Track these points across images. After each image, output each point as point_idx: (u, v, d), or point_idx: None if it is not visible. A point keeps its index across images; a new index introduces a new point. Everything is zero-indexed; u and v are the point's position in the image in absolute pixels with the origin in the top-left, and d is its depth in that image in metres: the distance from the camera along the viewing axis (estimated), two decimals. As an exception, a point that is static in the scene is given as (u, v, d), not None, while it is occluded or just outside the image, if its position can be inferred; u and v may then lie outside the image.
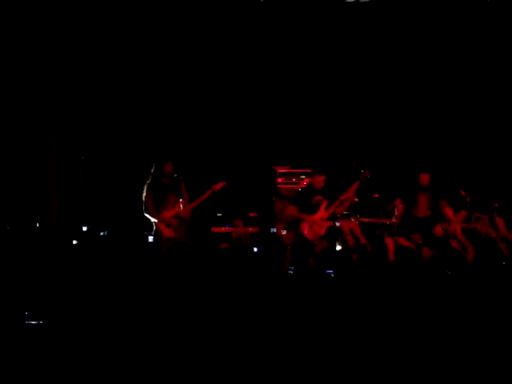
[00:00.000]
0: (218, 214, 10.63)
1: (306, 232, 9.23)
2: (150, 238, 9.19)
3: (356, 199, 9.70)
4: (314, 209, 9.35)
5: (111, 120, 11.26)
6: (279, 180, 10.79)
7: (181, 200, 8.98)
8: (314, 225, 9.28)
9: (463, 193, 9.99)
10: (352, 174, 9.75)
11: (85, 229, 10.42)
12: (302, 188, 10.42)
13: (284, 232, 9.59)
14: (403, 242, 9.15)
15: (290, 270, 6.68)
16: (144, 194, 9.00)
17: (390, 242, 9.14)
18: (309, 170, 10.67)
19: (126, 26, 10.84)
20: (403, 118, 11.35)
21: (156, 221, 8.95)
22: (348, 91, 11.36)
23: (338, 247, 9.12)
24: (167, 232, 8.89)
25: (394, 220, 9.54)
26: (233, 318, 4.88)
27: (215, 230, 10.57)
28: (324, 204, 9.32)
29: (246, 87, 11.42)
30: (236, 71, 11.30)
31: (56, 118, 11.09)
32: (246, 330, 4.79)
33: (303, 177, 10.76)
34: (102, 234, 10.29)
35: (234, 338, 4.72)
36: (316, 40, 11.10)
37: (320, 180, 9.44)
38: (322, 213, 9.30)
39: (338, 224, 9.28)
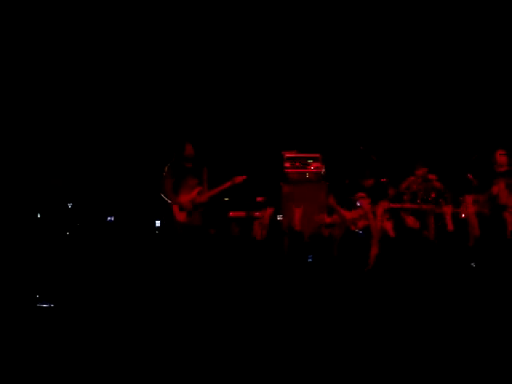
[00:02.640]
0: (225, 199, 10.63)
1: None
2: (157, 223, 9.17)
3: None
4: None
5: (128, 105, 11.33)
6: (286, 164, 10.77)
7: (199, 187, 8.97)
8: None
9: (470, 176, 9.94)
10: (359, 158, 9.71)
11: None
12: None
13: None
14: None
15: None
16: (164, 174, 8.96)
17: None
18: (316, 155, 10.66)
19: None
20: (409, 103, 11.31)
21: (170, 202, 8.93)
22: (356, 76, 11.33)
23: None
24: (180, 216, 8.88)
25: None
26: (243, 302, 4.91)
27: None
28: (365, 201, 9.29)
29: (255, 73, 11.41)
30: (245, 56, 11.31)
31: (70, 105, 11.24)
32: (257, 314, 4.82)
33: (310, 161, 10.74)
34: (109, 219, 10.31)
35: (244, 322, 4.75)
36: (326, 26, 11.07)
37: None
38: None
39: (358, 204, 9.22)
